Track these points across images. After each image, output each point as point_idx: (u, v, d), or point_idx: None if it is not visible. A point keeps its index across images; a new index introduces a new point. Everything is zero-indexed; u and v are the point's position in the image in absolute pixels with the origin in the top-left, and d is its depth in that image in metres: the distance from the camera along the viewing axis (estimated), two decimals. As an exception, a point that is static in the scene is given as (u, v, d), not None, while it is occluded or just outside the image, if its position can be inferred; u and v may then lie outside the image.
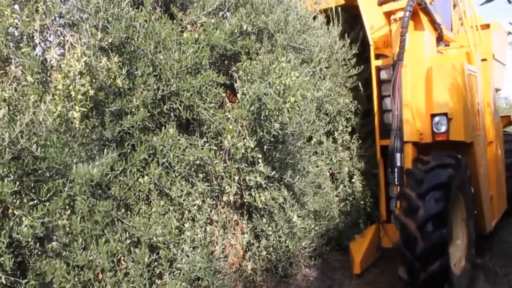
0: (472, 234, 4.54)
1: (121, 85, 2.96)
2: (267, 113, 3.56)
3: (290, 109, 3.62)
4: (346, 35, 5.57)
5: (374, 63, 5.07)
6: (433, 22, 4.95)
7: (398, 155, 4.44)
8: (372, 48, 5.12)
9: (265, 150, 3.95)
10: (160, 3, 3.62)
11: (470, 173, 4.49)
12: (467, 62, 4.97)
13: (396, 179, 4.49)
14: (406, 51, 4.54)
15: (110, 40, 2.86)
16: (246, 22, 3.70)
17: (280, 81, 3.57)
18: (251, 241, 4.16)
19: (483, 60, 5.48)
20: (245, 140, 3.59)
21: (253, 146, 3.64)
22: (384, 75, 4.92)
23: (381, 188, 5.22)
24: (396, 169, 4.45)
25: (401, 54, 4.51)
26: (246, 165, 3.79)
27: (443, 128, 4.48)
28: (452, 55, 5.43)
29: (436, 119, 4.53)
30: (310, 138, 4.97)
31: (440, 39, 5.22)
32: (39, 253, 2.59)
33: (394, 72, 4.54)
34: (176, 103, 3.35)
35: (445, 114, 4.46)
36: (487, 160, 5.24)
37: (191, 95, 3.33)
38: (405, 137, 4.55)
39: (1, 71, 2.69)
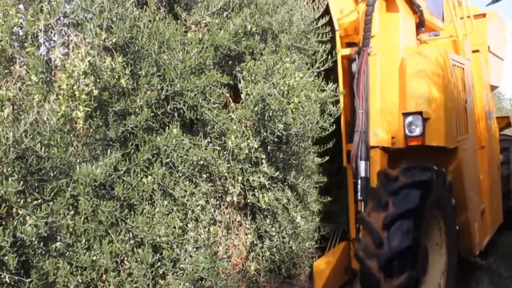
0: (454, 259, 3.79)
1: (125, 85, 2.96)
2: (271, 114, 3.55)
3: (294, 110, 3.62)
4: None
5: (341, 52, 4.09)
6: (411, 3, 4.15)
7: (362, 163, 3.61)
8: (338, 34, 4.15)
9: (268, 150, 3.95)
10: (164, 3, 3.62)
11: (450, 184, 3.73)
12: (453, 52, 4.32)
13: (359, 193, 3.67)
14: (376, 36, 3.80)
15: (114, 40, 2.86)
16: (250, 22, 3.70)
17: (284, 82, 3.56)
18: (255, 242, 4.14)
19: (475, 51, 4.78)
20: (248, 141, 3.59)
21: (256, 147, 3.63)
22: (354, 67, 4.00)
23: (350, 201, 4.28)
24: (360, 181, 3.62)
25: (366, 38, 3.70)
26: (250, 165, 3.78)
27: (417, 131, 3.64)
28: (435, 43, 4.70)
29: (409, 119, 3.68)
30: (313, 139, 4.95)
31: (421, 24, 4.35)
32: (43, 252, 2.59)
33: (358, 61, 3.74)
34: (180, 103, 3.34)
35: (420, 113, 3.63)
36: (477, 168, 4.50)
37: (195, 95, 3.33)
38: (372, 141, 3.73)
39: (6, 71, 2.70)
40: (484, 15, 5.44)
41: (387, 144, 3.81)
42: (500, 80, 6.19)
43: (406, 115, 3.72)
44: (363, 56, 3.71)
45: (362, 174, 3.62)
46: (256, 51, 3.84)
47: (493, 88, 5.87)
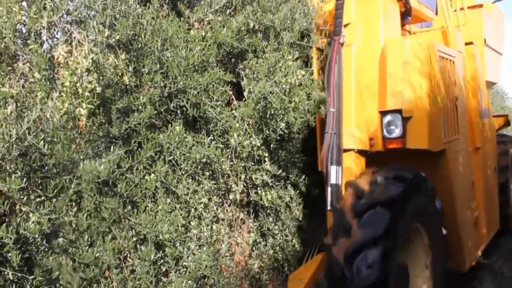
0: (441, 275, 3.29)
1: (128, 82, 2.96)
2: (272, 112, 3.55)
3: (295, 109, 3.61)
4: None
5: (316, 43, 3.72)
6: None
7: (333, 168, 3.11)
8: (313, 23, 3.78)
9: (271, 148, 3.94)
10: (167, 1, 3.62)
11: (433, 188, 3.20)
12: (443, 43, 3.89)
13: (329, 203, 3.16)
14: (351, 24, 3.36)
15: (117, 37, 2.86)
16: (252, 20, 3.69)
17: (286, 80, 3.55)
18: (258, 240, 4.14)
19: (468, 44, 4.33)
20: (251, 139, 3.58)
21: (259, 145, 3.63)
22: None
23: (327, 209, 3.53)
24: (329, 188, 3.12)
25: (337, 26, 3.24)
26: (253, 163, 3.78)
27: (396, 132, 3.16)
28: (422, 34, 4.32)
29: (387, 118, 3.19)
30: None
31: (407, 13, 3.85)
32: (46, 249, 2.59)
33: (329, 52, 3.26)
34: (183, 101, 3.34)
35: (399, 112, 3.15)
36: (470, 172, 4.01)
37: (198, 92, 3.33)
38: (346, 143, 3.23)
39: (9, 68, 2.70)
40: (480, 5, 4.89)
41: (363, 146, 3.30)
42: (498, 76, 5.74)
43: (384, 113, 3.21)
44: (334, 46, 3.21)
45: (333, 180, 3.10)
46: (258, 48, 3.83)
47: (490, 84, 5.44)
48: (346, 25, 3.36)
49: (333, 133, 3.15)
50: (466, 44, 4.28)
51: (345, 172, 3.20)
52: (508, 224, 5.40)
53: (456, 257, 3.60)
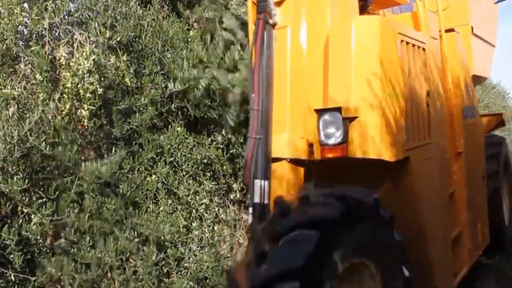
0: None
1: (129, 84, 2.97)
2: None
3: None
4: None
5: (252, 27, 2.70)
6: None
7: (257, 183, 2.41)
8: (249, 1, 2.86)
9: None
10: (167, 1, 3.63)
11: (390, 216, 2.37)
12: (413, 27, 3.19)
13: (250, 225, 2.47)
14: (289, 1, 2.65)
15: (118, 39, 2.87)
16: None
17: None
18: (259, 241, 4.13)
19: (449, 31, 3.66)
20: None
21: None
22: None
23: None
24: (252, 209, 2.42)
25: (261, 1, 2.54)
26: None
27: (336, 136, 2.49)
28: (381, 16, 3.36)
29: (325, 118, 2.52)
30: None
31: None
32: (48, 250, 2.60)
33: (254, 35, 2.57)
34: (184, 102, 3.35)
35: (338, 110, 2.46)
36: (446, 184, 3.30)
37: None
38: (276, 150, 2.52)
39: (11, 69, 2.70)
40: None
41: (300, 155, 2.55)
42: (489, 70, 5.00)
43: (320, 112, 2.52)
44: (259, 28, 2.50)
45: (256, 198, 2.39)
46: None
47: (479, 79, 4.72)
48: (280, 2, 2.67)
49: (258, 138, 2.43)
50: (447, 31, 3.59)
51: (275, 187, 2.49)
52: (500, 239, 4.68)
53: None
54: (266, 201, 2.39)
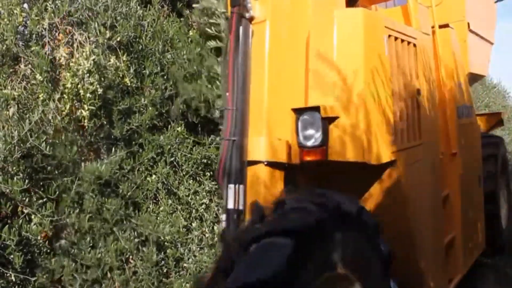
0: None
1: (129, 84, 2.97)
2: None
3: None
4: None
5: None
6: None
7: (231, 188, 2.27)
8: None
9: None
10: (167, 1, 3.63)
11: (378, 228, 2.17)
12: (404, 22, 3.05)
13: (222, 232, 2.39)
14: None
15: (118, 39, 2.87)
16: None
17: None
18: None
19: (443, 26, 3.52)
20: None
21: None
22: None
23: None
24: (225, 215, 2.29)
25: None
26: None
27: (315, 138, 2.33)
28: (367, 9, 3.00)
29: (303, 119, 2.37)
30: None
31: None
32: (48, 251, 2.60)
33: (228, 31, 2.45)
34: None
35: (317, 110, 2.29)
36: (438, 187, 3.14)
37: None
38: (253, 153, 2.34)
39: (11, 70, 2.71)
40: None
41: (278, 158, 2.37)
42: (486, 68, 4.83)
43: (298, 112, 2.36)
44: (233, 22, 2.35)
45: (230, 204, 2.25)
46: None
47: (475, 77, 4.56)
48: None
49: (232, 140, 2.28)
50: (441, 27, 3.44)
51: (252, 192, 2.32)
52: (497, 243, 4.54)
53: None
54: (240, 207, 2.24)
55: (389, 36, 2.56)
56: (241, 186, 2.28)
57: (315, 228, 1.89)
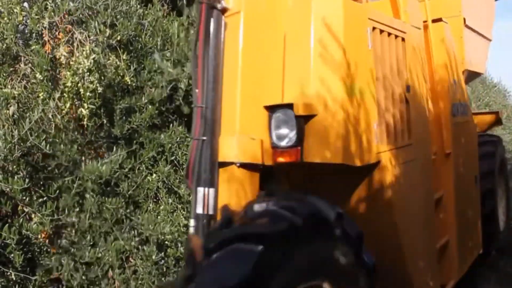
0: None
1: (129, 83, 2.97)
2: None
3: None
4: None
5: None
6: None
7: (201, 191, 2.13)
8: None
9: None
10: (167, 0, 3.63)
11: (360, 232, 2.01)
12: (393, 16, 2.81)
13: (188, 238, 2.32)
14: None
15: (118, 38, 2.86)
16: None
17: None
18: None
19: (436, 21, 3.35)
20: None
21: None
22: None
23: None
24: (193, 220, 2.14)
25: None
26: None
27: (289, 138, 2.16)
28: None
29: (276, 117, 2.20)
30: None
31: None
32: (48, 250, 2.60)
33: (196, 21, 2.29)
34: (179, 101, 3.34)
35: (290, 107, 2.12)
36: (430, 189, 2.97)
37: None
38: (225, 154, 2.17)
39: (11, 69, 2.71)
40: None
41: (252, 158, 2.18)
42: (483, 65, 4.64)
43: (272, 109, 2.19)
44: (202, 14, 2.18)
45: (199, 209, 2.10)
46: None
47: (472, 74, 4.38)
48: None
49: (202, 140, 2.14)
50: (434, 21, 3.29)
51: (224, 196, 2.16)
52: (495, 245, 4.43)
53: None
54: (211, 212, 2.08)
55: (374, 28, 2.39)
56: (212, 190, 2.13)
57: (287, 234, 1.75)
